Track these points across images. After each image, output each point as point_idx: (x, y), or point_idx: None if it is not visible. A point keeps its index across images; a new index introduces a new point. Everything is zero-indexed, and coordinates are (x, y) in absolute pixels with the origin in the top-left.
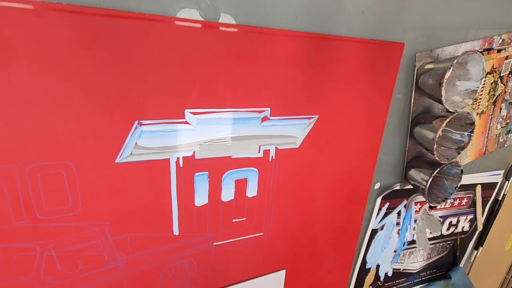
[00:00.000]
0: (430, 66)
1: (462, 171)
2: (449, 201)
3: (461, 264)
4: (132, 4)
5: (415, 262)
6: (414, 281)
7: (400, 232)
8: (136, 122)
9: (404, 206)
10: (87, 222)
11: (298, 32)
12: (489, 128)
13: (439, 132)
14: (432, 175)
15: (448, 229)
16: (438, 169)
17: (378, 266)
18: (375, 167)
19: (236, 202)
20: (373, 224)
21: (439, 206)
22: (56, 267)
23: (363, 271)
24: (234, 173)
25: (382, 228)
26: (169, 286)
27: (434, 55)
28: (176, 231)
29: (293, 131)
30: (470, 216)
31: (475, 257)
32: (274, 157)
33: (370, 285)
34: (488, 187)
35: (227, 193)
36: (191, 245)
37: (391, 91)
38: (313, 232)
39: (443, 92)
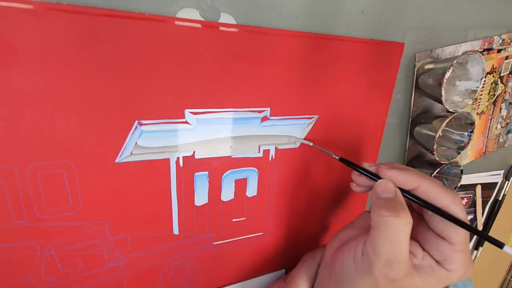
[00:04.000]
0: (430, 66)
1: (462, 171)
2: None
3: None
4: (132, 4)
5: None
6: None
7: None
8: (136, 122)
9: None
10: (87, 222)
11: (298, 32)
12: (489, 128)
13: (439, 132)
14: (432, 175)
15: None
16: (438, 169)
17: None
18: None
19: (236, 201)
20: None
21: None
22: (57, 266)
23: None
24: (234, 173)
25: None
26: (169, 285)
27: (434, 55)
28: (176, 231)
29: (293, 131)
30: (470, 216)
31: (475, 257)
32: (274, 157)
33: None
34: (488, 187)
35: (227, 193)
36: (191, 245)
37: (391, 91)
38: (313, 232)
39: (443, 92)
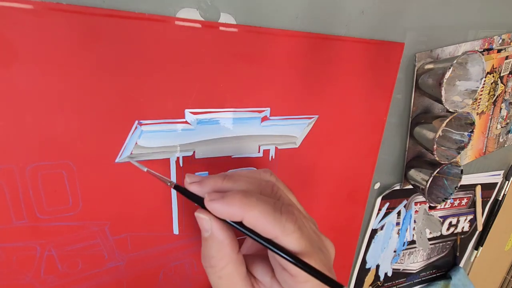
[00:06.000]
0: (430, 66)
1: (462, 171)
2: (449, 201)
3: (461, 264)
4: (132, 4)
5: (415, 262)
6: (414, 281)
7: (400, 232)
8: (136, 122)
9: (404, 206)
10: (87, 222)
11: (298, 32)
12: (489, 128)
13: (439, 132)
14: (432, 175)
15: (448, 229)
16: (438, 169)
17: (378, 266)
18: (375, 167)
19: None
20: (373, 224)
21: (439, 206)
22: (57, 266)
23: (363, 271)
24: None
25: (382, 228)
26: (169, 285)
27: (434, 55)
28: (176, 231)
29: (293, 131)
30: (470, 216)
31: (475, 257)
32: (274, 157)
33: (370, 285)
34: (488, 187)
35: None
36: (191, 245)
37: (391, 91)
38: None
39: (443, 92)
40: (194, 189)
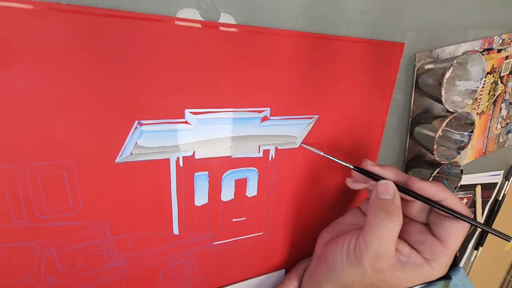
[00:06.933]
0: (430, 66)
1: (462, 171)
2: None
3: (461, 264)
4: (132, 4)
5: None
6: None
7: None
8: (136, 122)
9: None
10: (87, 222)
11: (298, 32)
12: (489, 128)
13: (439, 132)
14: (432, 175)
15: None
16: (438, 169)
17: None
18: None
19: (236, 201)
20: None
21: None
22: (57, 267)
23: None
24: (234, 173)
25: None
26: (169, 285)
27: (434, 55)
28: (176, 231)
29: (293, 131)
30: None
31: (475, 257)
32: (274, 157)
33: None
34: (488, 187)
35: (227, 193)
36: (191, 245)
37: (391, 91)
38: (313, 232)
39: (443, 92)
40: (376, 169)
